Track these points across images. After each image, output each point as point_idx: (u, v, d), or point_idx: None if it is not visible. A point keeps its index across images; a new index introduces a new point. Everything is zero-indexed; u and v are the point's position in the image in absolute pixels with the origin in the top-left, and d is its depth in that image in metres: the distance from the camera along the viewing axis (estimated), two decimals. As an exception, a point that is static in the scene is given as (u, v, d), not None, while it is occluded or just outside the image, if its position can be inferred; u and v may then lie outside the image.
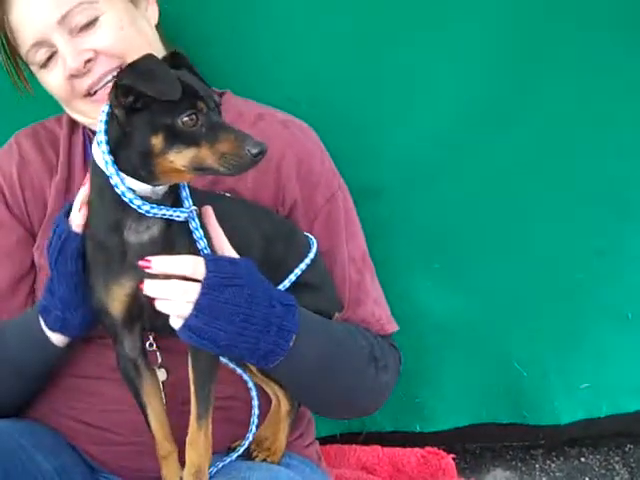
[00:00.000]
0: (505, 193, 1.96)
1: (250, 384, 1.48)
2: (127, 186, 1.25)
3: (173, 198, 1.31)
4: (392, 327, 1.65)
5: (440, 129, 1.90)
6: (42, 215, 1.58)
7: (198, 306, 1.27)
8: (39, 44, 1.51)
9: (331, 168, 1.66)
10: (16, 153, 1.63)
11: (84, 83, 1.51)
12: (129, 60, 1.45)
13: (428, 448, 2.02)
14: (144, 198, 1.27)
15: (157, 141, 1.22)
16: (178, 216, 1.29)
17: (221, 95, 1.67)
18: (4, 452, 1.36)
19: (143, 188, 1.26)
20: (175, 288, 1.28)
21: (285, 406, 1.51)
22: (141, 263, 1.27)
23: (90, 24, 1.50)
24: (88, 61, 1.49)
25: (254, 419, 1.47)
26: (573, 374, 2.10)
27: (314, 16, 1.83)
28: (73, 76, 1.50)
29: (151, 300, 1.29)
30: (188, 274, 1.28)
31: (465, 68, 1.86)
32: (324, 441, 1.93)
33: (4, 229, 1.58)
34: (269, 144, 1.58)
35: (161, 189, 1.28)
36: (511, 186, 1.95)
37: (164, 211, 1.28)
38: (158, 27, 1.64)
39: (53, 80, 1.54)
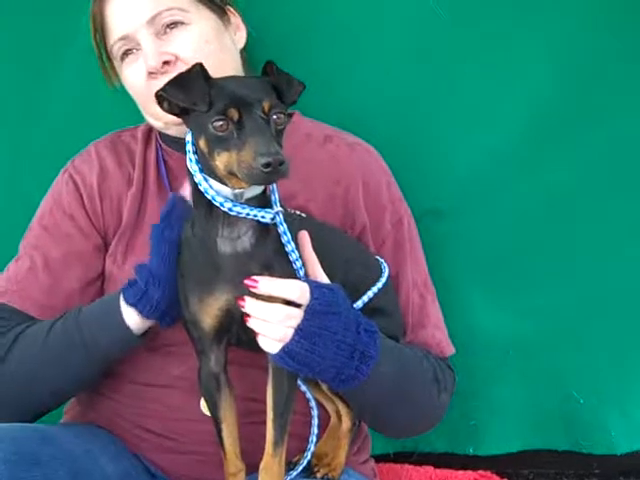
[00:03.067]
0: (567, 213, 1.99)
1: (312, 401, 1.53)
2: (209, 184, 1.32)
3: (262, 204, 1.35)
4: (450, 350, 1.72)
5: (501, 149, 1.95)
6: (117, 225, 1.66)
7: (300, 332, 1.31)
8: (125, 39, 1.60)
9: (397, 192, 1.73)
10: (96, 163, 1.71)
11: (159, 85, 1.58)
12: None
13: (481, 471, 2.02)
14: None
15: (203, 144, 1.30)
16: (263, 217, 1.33)
17: (290, 115, 1.76)
18: (72, 455, 1.42)
19: (225, 190, 1.32)
20: (279, 312, 1.31)
21: (347, 424, 1.56)
22: (247, 282, 1.31)
23: (177, 30, 1.59)
24: (167, 63, 1.57)
25: (313, 438, 1.51)
26: (631, 403, 2.11)
27: (376, 37, 1.92)
28: (151, 74, 1.58)
29: (244, 316, 1.33)
30: (293, 299, 1.32)
31: (526, 87, 1.91)
32: (377, 459, 1.96)
33: (82, 234, 1.66)
34: (337, 167, 1.67)
35: (240, 192, 1.32)
36: (573, 206, 1.98)
37: (247, 210, 1.32)
38: (243, 51, 1.73)
39: (133, 77, 1.63)
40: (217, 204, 1.32)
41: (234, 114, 1.27)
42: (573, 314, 2.05)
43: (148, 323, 1.49)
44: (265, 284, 1.31)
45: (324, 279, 1.40)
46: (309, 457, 1.51)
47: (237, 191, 1.32)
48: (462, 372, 1.76)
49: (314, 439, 1.51)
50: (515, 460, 2.17)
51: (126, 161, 1.72)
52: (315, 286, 1.35)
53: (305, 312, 1.32)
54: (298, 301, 1.33)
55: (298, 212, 1.52)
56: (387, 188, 1.71)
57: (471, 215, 1.99)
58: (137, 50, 1.61)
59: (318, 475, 1.53)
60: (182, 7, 1.59)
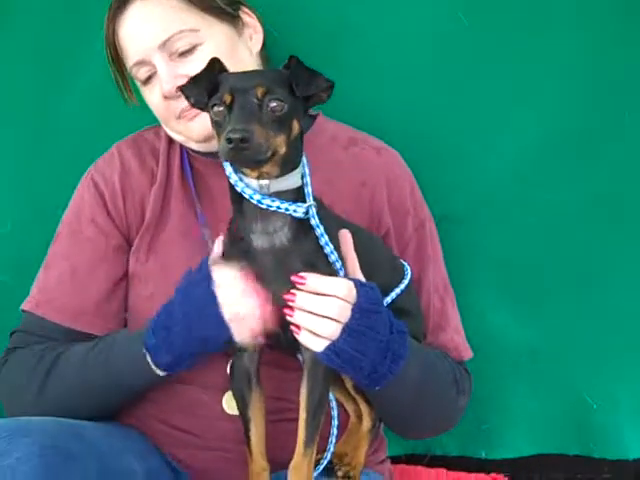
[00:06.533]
0: (583, 225, 2.05)
1: (332, 400, 1.58)
2: (239, 176, 1.37)
3: (298, 199, 1.38)
4: (468, 354, 1.78)
5: (521, 160, 2.01)
6: (140, 222, 1.70)
7: (348, 329, 1.35)
8: (141, 63, 1.66)
9: (420, 196, 1.79)
10: (118, 162, 1.75)
11: (177, 106, 1.65)
12: None
13: (493, 475, 2.09)
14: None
15: (213, 131, 1.36)
16: (295, 210, 1.36)
17: (314, 117, 1.81)
18: (99, 452, 1.46)
19: (253, 183, 1.36)
20: (334, 305, 1.34)
21: (367, 423, 1.62)
22: (294, 279, 1.34)
23: (189, 51, 1.64)
24: None
25: (332, 438, 1.56)
26: (644, 408, 2.17)
27: (398, 45, 1.98)
28: (167, 98, 1.64)
29: (286, 309, 1.36)
30: (341, 297, 1.35)
31: (546, 99, 1.98)
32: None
33: (104, 235, 1.70)
34: (362, 169, 1.72)
35: (266, 184, 1.36)
36: (589, 219, 2.04)
37: (278, 203, 1.35)
38: (262, 52, 1.77)
39: (152, 98, 1.70)
40: (247, 196, 1.36)
41: (227, 99, 1.32)
42: (586, 319, 2.10)
43: None
44: (313, 281, 1.35)
45: (362, 278, 1.44)
46: (329, 457, 1.56)
47: (262, 182, 1.36)
48: (476, 376, 1.82)
49: (334, 439, 1.56)
50: (527, 464, 2.21)
51: (149, 158, 1.77)
52: (361, 285, 1.39)
53: (353, 310, 1.36)
54: (345, 299, 1.36)
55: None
56: (411, 192, 1.77)
57: (488, 222, 2.04)
58: (156, 73, 1.66)
59: (339, 474, 1.57)
60: (193, 27, 1.64)
